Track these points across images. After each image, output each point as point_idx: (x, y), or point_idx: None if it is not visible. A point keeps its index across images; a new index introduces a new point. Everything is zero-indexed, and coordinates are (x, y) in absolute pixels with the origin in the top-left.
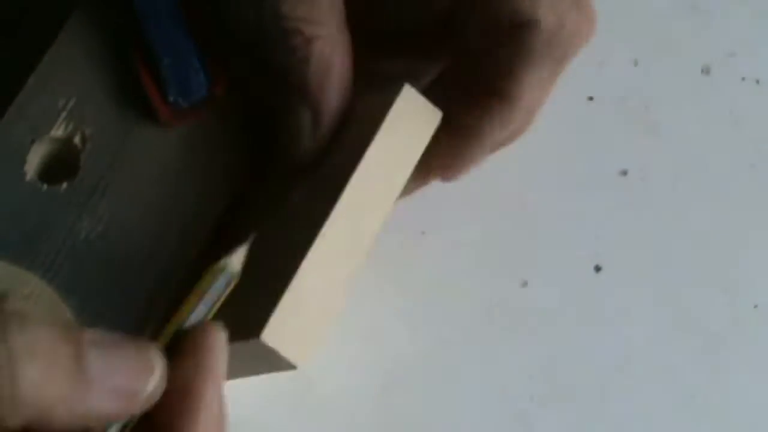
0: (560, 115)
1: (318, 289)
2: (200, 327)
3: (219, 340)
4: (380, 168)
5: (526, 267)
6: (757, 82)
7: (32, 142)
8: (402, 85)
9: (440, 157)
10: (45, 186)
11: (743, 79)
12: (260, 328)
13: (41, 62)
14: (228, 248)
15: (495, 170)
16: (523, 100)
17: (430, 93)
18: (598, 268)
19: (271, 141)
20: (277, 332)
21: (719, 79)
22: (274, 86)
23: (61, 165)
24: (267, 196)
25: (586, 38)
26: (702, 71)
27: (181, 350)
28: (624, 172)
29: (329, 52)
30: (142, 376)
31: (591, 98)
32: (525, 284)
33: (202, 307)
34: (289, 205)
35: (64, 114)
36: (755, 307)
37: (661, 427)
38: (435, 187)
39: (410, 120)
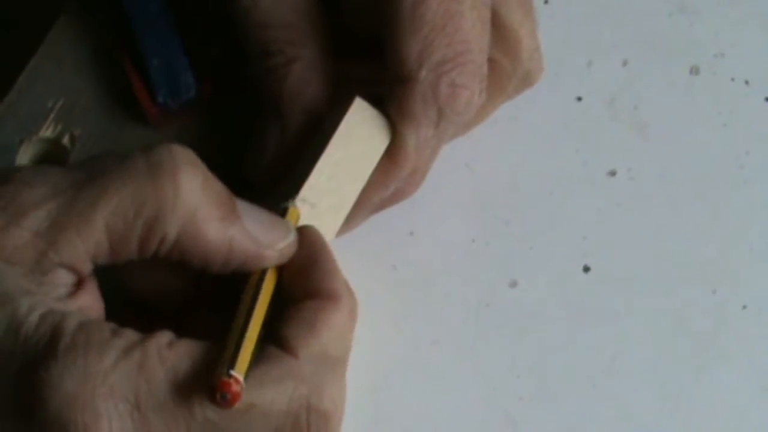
0: (549, 115)
1: None
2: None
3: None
4: (332, 180)
5: (515, 267)
6: (746, 82)
7: (21, 141)
8: (353, 98)
9: None
10: None
11: (732, 79)
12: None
13: (30, 62)
14: None
15: (483, 170)
16: (408, 160)
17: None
18: (586, 269)
19: (241, 147)
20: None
21: (708, 80)
22: (253, 95)
23: (51, 165)
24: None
25: (466, 103)
26: (691, 72)
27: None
28: (613, 173)
29: (307, 74)
30: (279, 233)
31: (579, 98)
32: (514, 284)
33: None
34: None
35: (52, 114)
36: (744, 307)
37: (649, 427)
38: (422, 187)
39: (362, 132)
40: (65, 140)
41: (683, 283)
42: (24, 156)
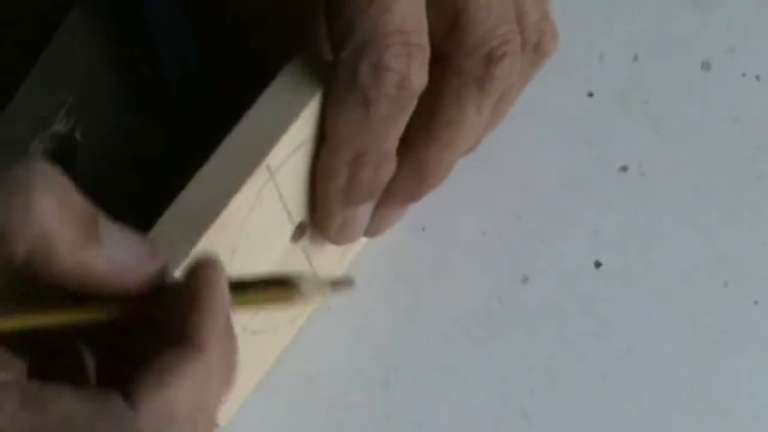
0: (560, 111)
1: None
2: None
3: (218, 267)
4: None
5: (527, 262)
6: (758, 78)
7: (33, 136)
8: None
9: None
10: None
11: (743, 74)
12: None
13: (41, 57)
14: None
15: (495, 166)
16: (337, 141)
17: None
18: (598, 264)
19: None
20: None
21: (719, 75)
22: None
23: (62, 159)
24: None
25: (396, 86)
26: (702, 67)
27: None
28: (624, 168)
29: None
30: (148, 258)
31: (591, 94)
32: (525, 280)
33: None
34: None
35: (64, 109)
36: (756, 303)
37: (661, 421)
38: None
39: (292, 85)
40: (77, 134)
41: (695, 278)
42: (36, 151)
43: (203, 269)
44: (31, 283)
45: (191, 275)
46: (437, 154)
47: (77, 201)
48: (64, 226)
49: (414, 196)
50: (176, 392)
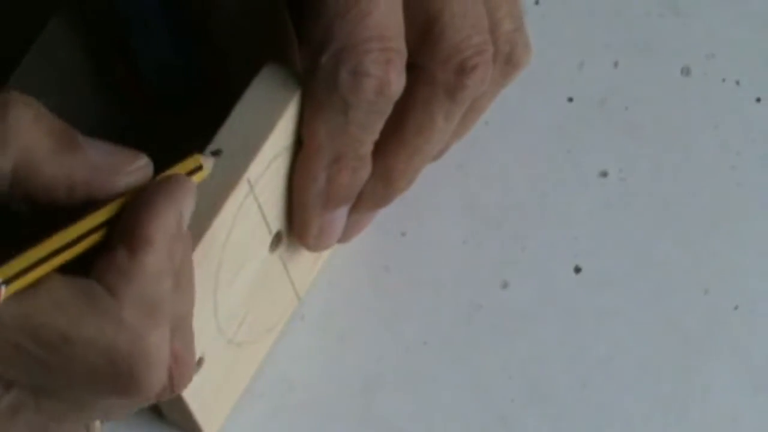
0: (540, 116)
1: None
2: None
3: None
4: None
5: (506, 268)
6: (737, 83)
7: None
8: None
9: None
10: None
11: (723, 80)
12: None
13: (23, 61)
14: None
15: (475, 171)
16: (315, 146)
17: None
18: (577, 269)
19: None
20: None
21: (699, 81)
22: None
23: None
24: None
25: (375, 91)
26: (682, 72)
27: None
28: (604, 173)
29: None
30: (125, 157)
31: (571, 99)
32: (505, 285)
33: None
34: None
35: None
36: (735, 308)
37: (643, 427)
38: (414, 188)
39: (268, 94)
40: None
41: (675, 283)
42: None
43: (172, 179)
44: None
45: (157, 184)
46: (405, 159)
47: (52, 117)
48: (43, 136)
49: (382, 201)
50: (143, 283)
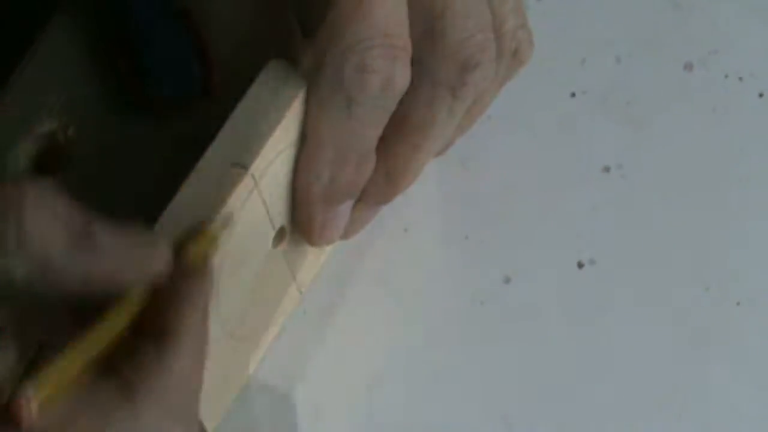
0: (542, 112)
1: None
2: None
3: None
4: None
5: (509, 263)
6: (740, 79)
7: (23, 136)
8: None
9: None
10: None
11: (726, 76)
12: None
13: (26, 57)
14: None
15: (477, 166)
16: (319, 142)
17: None
18: (580, 265)
19: None
20: None
21: (702, 76)
22: None
23: (51, 159)
24: None
25: (380, 87)
26: (685, 68)
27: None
28: (606, 169)
29: None
30: (146, 249)
31: (573, 94)
32: (508, 281)
33: None
34: None
35: (50, 110)
36: (738, 304)
37: (645, 424)
38: (417, 184)
39: (272, 90)
40: (67, 133)
41: (677, 279)
42: (21, 153)
43: (193, 263)
44: (33, 300)
45: (182, 269)
46: (408, 156)
47: (69, 212)
48: (58, 236)
49: (385, 196)
50: (168, 383)
